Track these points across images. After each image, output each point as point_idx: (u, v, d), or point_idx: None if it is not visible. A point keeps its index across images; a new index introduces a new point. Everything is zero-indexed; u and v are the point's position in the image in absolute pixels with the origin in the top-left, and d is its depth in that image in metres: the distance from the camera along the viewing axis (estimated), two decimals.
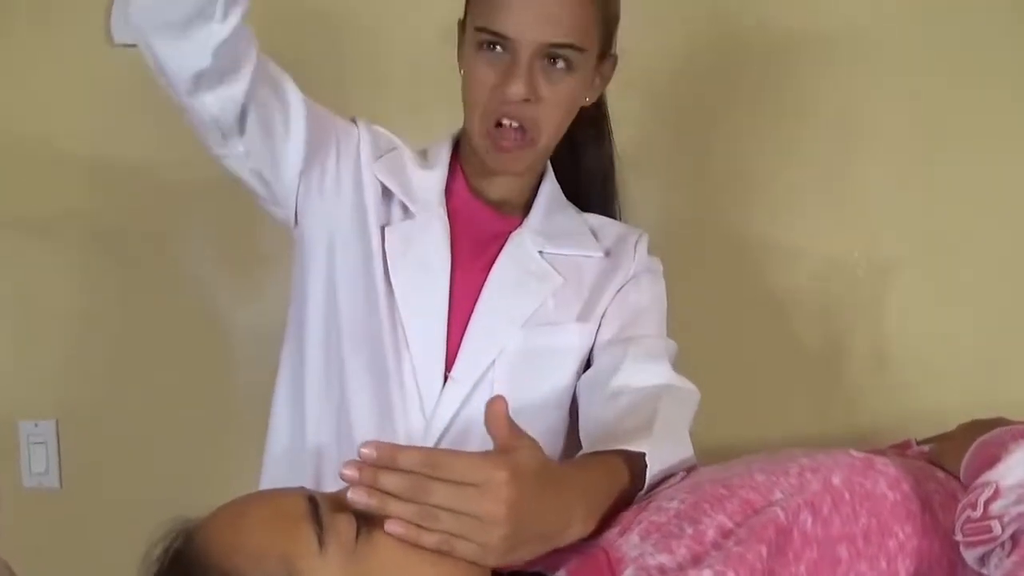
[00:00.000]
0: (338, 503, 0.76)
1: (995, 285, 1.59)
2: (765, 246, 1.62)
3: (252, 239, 1.66)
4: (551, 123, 1.04)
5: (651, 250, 1.18)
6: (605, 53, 1.09)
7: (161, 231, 1.70)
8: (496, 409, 0.76)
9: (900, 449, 1.00)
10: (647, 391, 0.99)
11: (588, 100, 1.10)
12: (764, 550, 0.76)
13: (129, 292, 1.71)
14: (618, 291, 1.12)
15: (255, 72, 0.95)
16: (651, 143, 1.61)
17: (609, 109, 1.20)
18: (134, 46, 1.58)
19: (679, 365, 1.10)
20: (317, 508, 0.74)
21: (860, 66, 1.58)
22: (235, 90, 0.94)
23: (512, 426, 0.77)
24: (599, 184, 1.20)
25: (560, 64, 1.01)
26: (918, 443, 1.02)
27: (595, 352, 1.09)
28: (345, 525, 0.73)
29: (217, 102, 0.94)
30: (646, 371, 1.02)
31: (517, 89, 0.99)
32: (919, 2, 1.57)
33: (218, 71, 0.91)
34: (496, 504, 0.71)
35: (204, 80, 0.91)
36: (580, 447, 0.99)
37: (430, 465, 0.71)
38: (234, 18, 0.88)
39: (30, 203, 1.71)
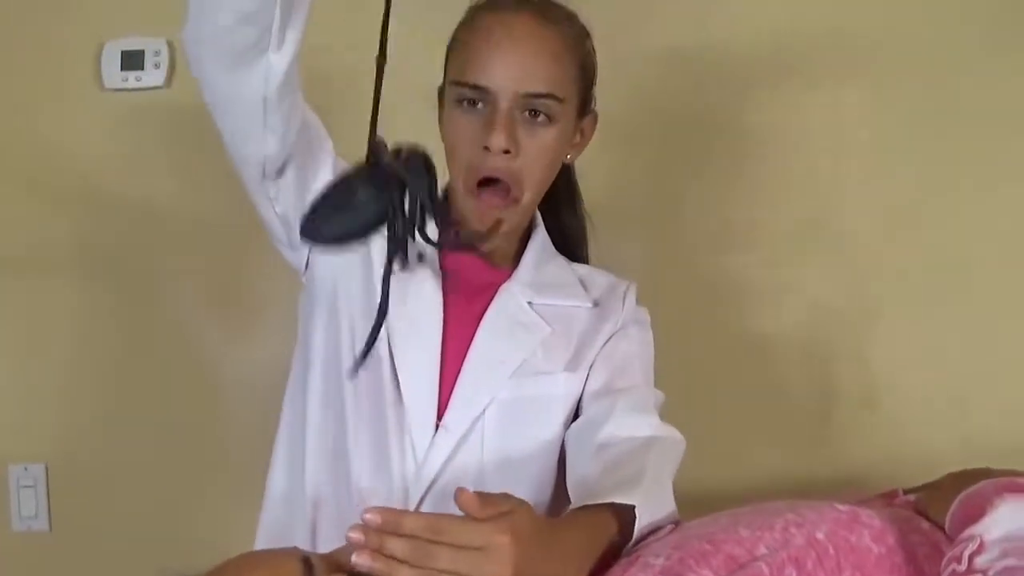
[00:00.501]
0: (333, 564, 0.77)
1: (981, 328, 1.59)
2: (752, 290, 1.62)
3: (244, 286, 1.67)
4: (533, 177, 1.05)
5: (639, 300, 1.19)
6: (584, 108, 1.10)
7: (153, 277, 1.70)
8: (465, 504, 0.76)
9: (887, 499, 1.00)
10: (635, 443, 1.00)
11: (570, 157, 1.12)
12: None
13: (120, 336, 1.71)
14: (607, 341, 1.13)
15: (304, 117, 0.99)
16: (632, 192, 1.63)
17: (588, 160, 1.20)
18: (126, 90, 1.66)
19: (667, 411, 1.11)
20: (312, 572, 0.75)
21: (846, 110, 1.60)
22: (291, 131, 0.97)
23: (491, 501, 0.77)
24: (572, 245, 1.22)
25: (540, 117, 1.02)
26: (905, 492, 1.02)
27: (584, 402, 1.10)
28: None
29: (275, 140, 0.96)
30: (634, 423, 1.03)
31: (498, 140, 1.00)
32: (905, 45, 1.59)
33: (278, 107, 0.93)
34: (500, 567, 0.73)
35: (269, 115, 0.93)
36: (567, 497, 0.99)
37: (434, 530, 0.73)
38: (290, 46, 0.89)
39: (23, 249, 1.72)
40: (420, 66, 1.12)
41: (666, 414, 1.10)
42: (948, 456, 1.49)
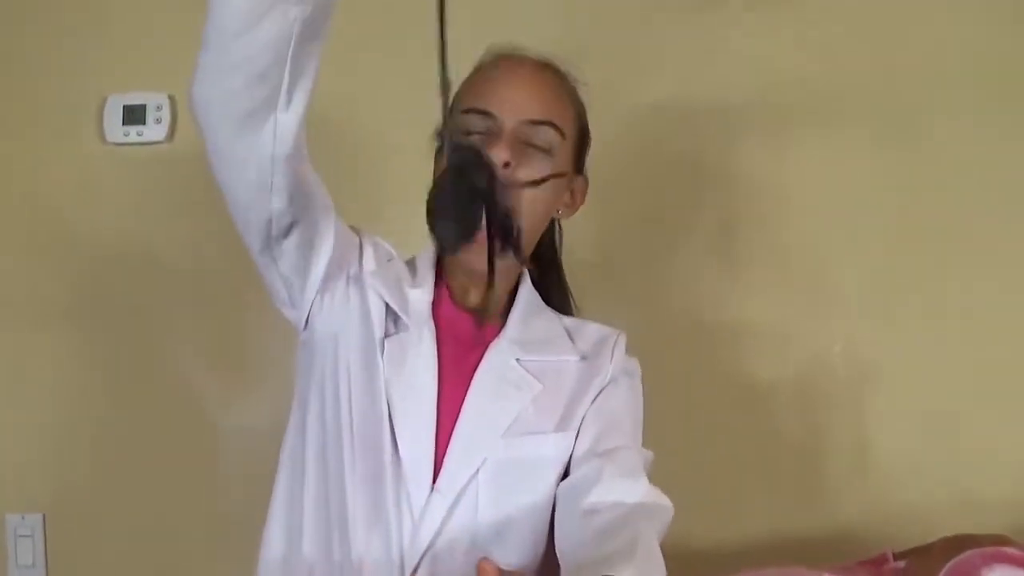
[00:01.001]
0: None
1: (974, 384, 1.61)
2: (747, 343, 1.64)
3: (243, 340, 1.69)
4: (530, 215, 1.07)
5: (629, 351, 1.20)
6: (579, 165, 1.15)
7: (152, 331, 1.71)
8: (487, 572, 0.79)
9: (877, 564, 1.02)
10: (625, 510, 1.00)
11: (562, 214, 1.16)
12: None
13: (118, 389, 1.72)
14: (597, 396, 1.14)
15: (309, 180, 1.00)
16: (625, 242, 1.66)
17: (582, 210, 1.22)
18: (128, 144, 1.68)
19: (661, 462, 1.12)
20: None
21: (841, 162, 1.63)
22: (296, 192, 0.98)
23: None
24: (555, 306, 1.24)
25: (540, 146, 1.07)
26: (895, 555, 1.04)
27: (573, 461, 1.10)
28: None
29: (280, 201, 0.97)
30: (623, 488, 1.03)
31: (500, 153, 1.03)
32: (902, 99, 1.63)
33: (285, 167, 0.95)
34: None
35: (276, 175, 0.95)
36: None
37: None
38: (299, 106, 0.91)
39: (23, 300, 1.74)
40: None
41: (659, 466, 1.12)
42: (942, 514, 1.54)
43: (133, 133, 1.70)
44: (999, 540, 0.97)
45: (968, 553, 0.88)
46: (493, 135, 1.05)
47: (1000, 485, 1.59)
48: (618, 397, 1.15)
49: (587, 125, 1.16)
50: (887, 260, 1.63)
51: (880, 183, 1.63)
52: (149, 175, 1.71)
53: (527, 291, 1.19)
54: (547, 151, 1.07)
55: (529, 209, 1.07)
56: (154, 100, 1.71)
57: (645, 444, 1.16)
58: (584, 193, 1.18)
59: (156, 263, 1.71)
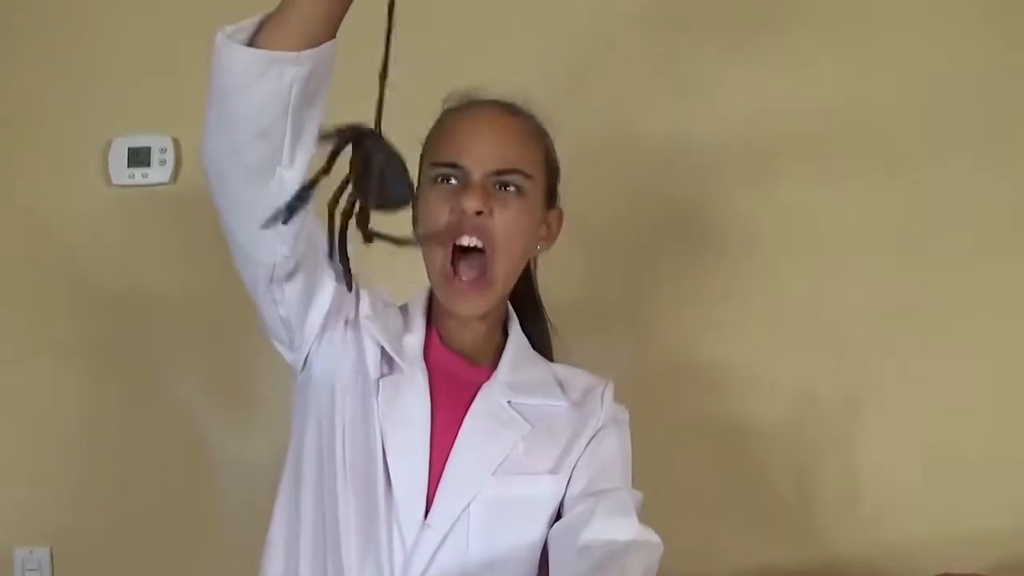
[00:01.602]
0: None
1: (964, 420, 1.63)
2: (736, 380, 1.67)
3: (244, 375, 1.73)
4: (505, 251, 1.11)
5: (617, 398, 1.23)
6: (551, 200, 1.18)
7: (155, 367, 1.76)
8: None
9: None
10: (616, 547, 1.04)
11: (540, 249, 1.19)
12: None
13: (123, 424, 1.76)
14: (588, 442, 1.17)
15: (312, 228, 1.02)
16: (612, 282, 1.69)
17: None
18: (132, 186, 1.73)
19: (650, 500, 1.15)
20: None
21: (829, 199, 1.66)
22: (300, 241, 1.01)
23: None
24: (537, 349, 1.26)
25: (511, 189, 1.10)
26: None
27: (566, 503, 1.13)
28: None
29: (285, 249, 1.00)
30: (615, 527, 1.07)
31: (472, 202, 1.07)
32: (890, 135, 1.66)
33: (294, 216, 0.95)
34: None
35: (279, 228, 0.95)
36: None
37: None
38: (300, 163, 0.93)
39: (29, 337, 1.79)
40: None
41: (648, 503, 1.15)
42: (931, 550, 1.57)
43: (138, 175, 1.75)
44: None
45: None
46: (463, 185, 1.09)
47: (990, 520, 1.61)
48: (609, 443, 1.18)
49: (556, 159, 1.19)
50: (876, 296, 1.65)
51: (868, 219, 1.66)
52: (153, 215, 1.75)
53: (517, 335, 1.22)
54: (518, 190, 1.10)
55: (505, 249, 1.10)
56: (158, 143, 1.75)
57: (635, 483, 1.19)
58: (559, 224, 1.21)
59: (159, 301, 1.75)
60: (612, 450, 1.18)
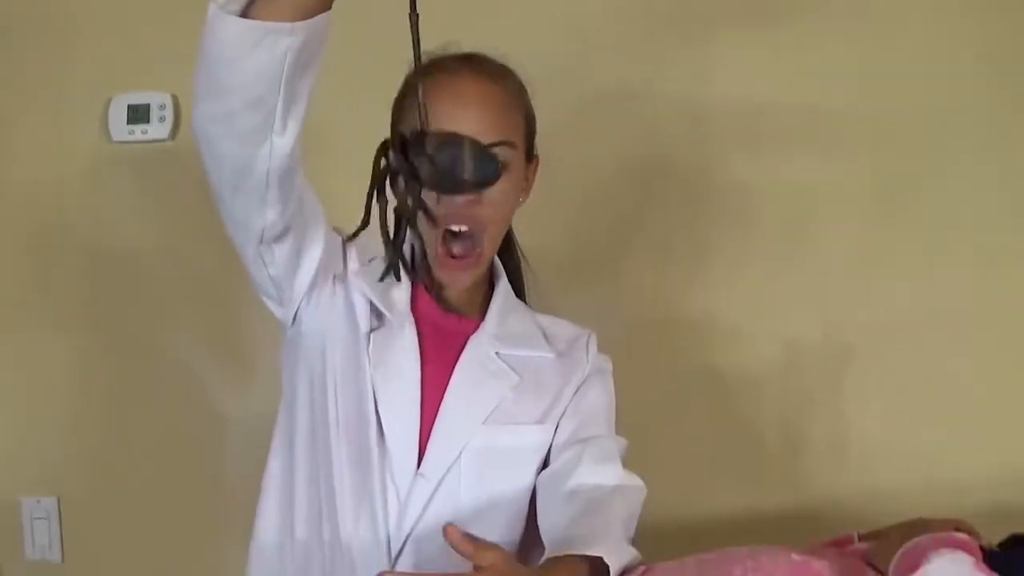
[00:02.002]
0: None
1: (951, 367, 1.66)
2: (724, 331, 1.71)
3: (244, 330, 1.76)
4: (496, 226, 1.14)
5: (600, 348, 1.27)
6: (530, 155, 1.20)
7: (156, 321, 1.78)
8: (452, 536, 0.90)
9: (841, 544, 1.10)
10: (602, 492, 1.10)
11: (522, 201, 1.21)
12: None
13: (127, 378, 1.79)
14: (574, 393, 1.22)
15: (302, 192, 1.05)
16: (600, 233, 1.72)
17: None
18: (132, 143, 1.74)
19: (640, 448, 1.21)
20: None
21: (816, 154, 1.68)
22: (289, 205, 1.03)
23: (476, 543, 0.90)
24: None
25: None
26: (860, 536, 1.11)
27: (553, 452, 1.18)
28: None
29: (274, 213, 1.02)
30: (600, 472, 1.13)
31: (462, 199, 1.08)
32: (875, 92, 1.67)
33: (280, 184, 0.99)
34: None
35: (270, 190, 0.99)
36: (537, 536, 1.11)
37: None
38: (292, 131, 0.95)
39: (35, 294, 1.81)
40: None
41: (638, 450, 1.21)
42: (918, 496, 1.61)
43: (138, 131, 1.76)
44: (954, 524, 1.05)
45: (921, 538, 0.94)
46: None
47: (977, 467, 1.65)
48: (594, 392, 1.23)
49: (532, 111, 1.20)
50: (862, 247, 1.68)
51: (859, 168, 1.68)
52: (153, 172, 1.77)
53: (504, 288, 1.25)
54: (504, 165, 1.11)
55: (494, 226, 1.14)
56: (158, 99, 1.77)
57: (626, 432, 1.25)
58: (535, 172, 1.22)
59: (160, 257, 1.77)
60: (597, 399, 1.23)
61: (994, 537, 1.10)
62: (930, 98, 1.67)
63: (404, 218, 1.02)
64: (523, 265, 1.33)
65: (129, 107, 1.76)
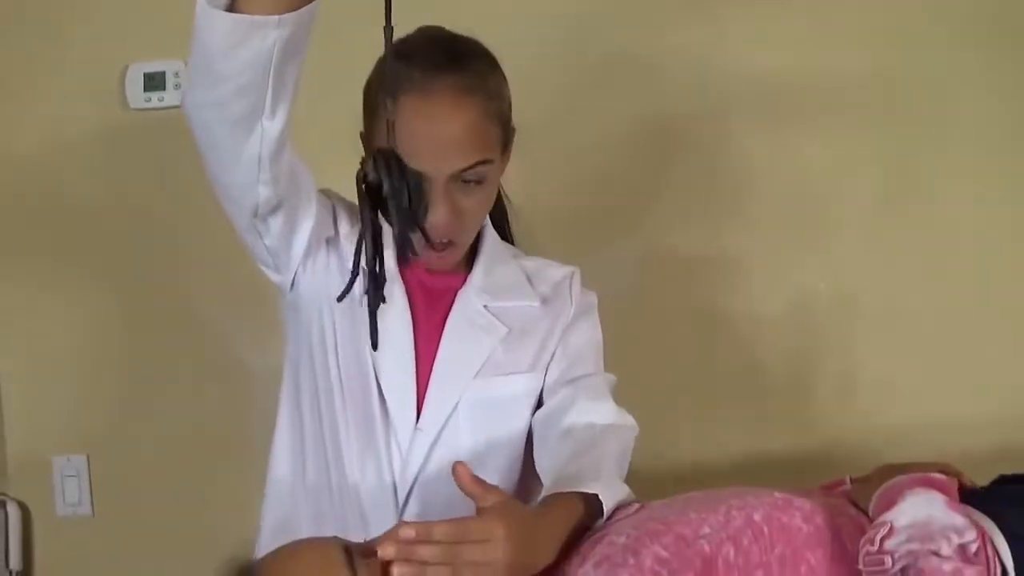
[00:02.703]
0: (365, 551, 0.91)
1: (958, 312, 1.70)
2: (736, 275, 1.74)
3: (262, 288, 1.78)
4: (476, 223, 1.18)
5: (584, 285, 1.30)
6: (508, 147, 1.20)
7: (180, 281, 1.84)
8: (462, 475, 0.94)
9: (830, 487, 1.13)
10: (595, 431, 1.15)
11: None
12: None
13: (154, 336, 1.85)
14: (562, 335, 1.25)
15: (293, 168, 1.08)
16: (615, 181, 1.75)
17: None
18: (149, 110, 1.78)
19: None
20: (351, 557, 0.90)
21: (831, 106, 1.70)
22: (280, 183, 1.05)
23: (481, 484, 0.95)
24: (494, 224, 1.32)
25: (473, 182, 1.13)
26: (852, 480, 1.15)
27: (545, 393, 1.23)
28: (373, 569, 0.89)
29: (266, 191, 1.05)
30: (593, 411, 1.18)
31: (440, 217, 1.10)
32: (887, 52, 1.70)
33: (271, 165, 1.02)
34: (500, 552, 0.90)
35: (262, 171, 1.02)
36: (534, 474, 1.17)
37: (454, 534, 0.89)
38: (282, 115, 0.98)
39: (60, 257, 1.87)
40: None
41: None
42: (927, 436, 1.65)
43: (154, 99, 1.80)
44: (939, 467, 1.08)
45: (900, 477, 0.98)
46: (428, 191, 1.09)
47: (984, 407, 1.69)
48: (580, 332, 1.27)
49: (509, 111, 1.19)
50: (871, 191, 1.71)
51: (870, 126, 1.70)
52: (170, 138, 1.80)
53: (490, 239, 1.27)
54: (481, 181, 1.13)
55: (472, 230, 1.18)
56: (173, 67, 1.81)
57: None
58: (512, 141, 1.22)
59: (179, 220, 1.82)
60: (584, 339, 1.27)
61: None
62: (938, 63, 1.69)
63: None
64: (508, 207, 1.35)
65: (145, 75, 1.80)
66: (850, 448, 1.71)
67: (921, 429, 1.68)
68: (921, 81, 1.69)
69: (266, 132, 0.98)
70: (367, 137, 1.18)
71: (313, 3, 0.90)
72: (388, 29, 0.83)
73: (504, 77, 1.19)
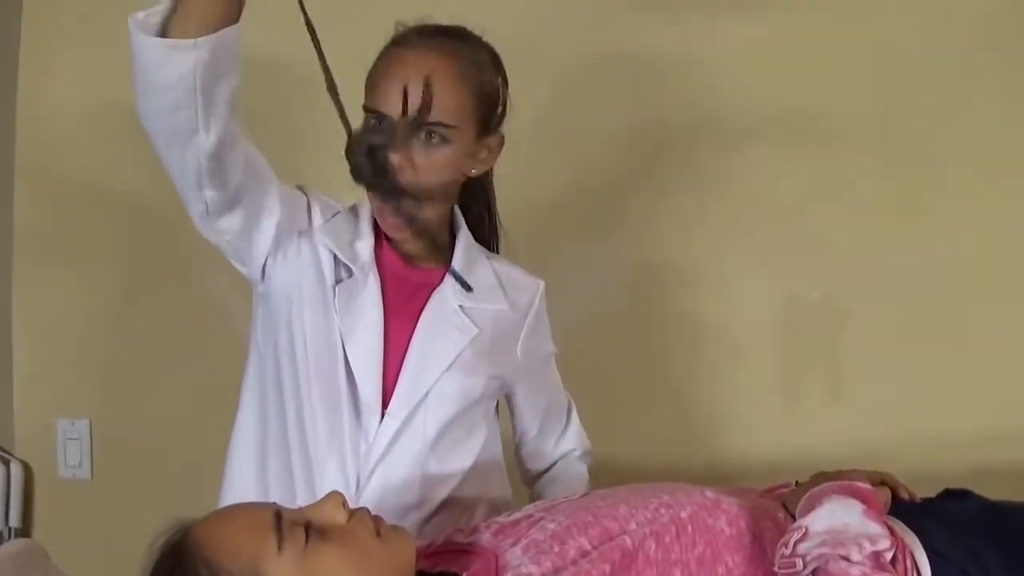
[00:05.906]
0: (300, 518, 0.95)
1: (946, 327, 1.72)
2: (728, 282, 1.77)
3: None
4: (429, 184, 1.18)
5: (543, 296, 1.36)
6: (486, 129, 1.23)
7: (180, 245, 1.84)
8: None
9: (771, 490, 1.16)
10: (570, 458, 1.45)
11: (475, 171, 1.25)
12: (608, 568, 0.94)
13: (157, 310, 1.91)
14: (526, 341, 1.32)
15: (246, 167, 1.12)
16: (610, 189, 1.78)
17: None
18: None
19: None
20: (280, 520, 0.94)
21: (820, 100, 1.73)
22: (228, 185, 1.10)
23: None
24: (483, 242, 1.36)
25: (435, 139, 1.16)
26: (796, 485, 1.17)
27: (516, 414, 1.41)
28: (300, 535, 0.93)
29: (213, 194, 1.10)
30: (563, 444, 1.45)
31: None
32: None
33: (211, 175, 1.08)
34: None
35: (203, 179, 1.08)
36: (494, 463, 1.31)
37: None
38: (217, 129, 1.03)
39: (72, 223, 1.93)
40: None
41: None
42: (911, 451, 1.66)
43: None
44: (876, 477, 1.11)
45: (826, 484, 1.01)
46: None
47: (973, 422, 1.71)
48: (541, 340, 1.37)
49: (492, 89, 1.21)
50: (862, 202, 1.73)
51: (864, 123, 1.73)
52: None
53: (465, 240, 1.31)
54: (444, 139, 1.16)
55: (428, 194, 1.18)
56: None
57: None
58: (500, 146, 1.26)
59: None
60: (544, 346, 1.38)
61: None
62: (935, 76, 1.71)
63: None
64: (493, 211, 1.38)
65: None
66: (834, 456, 1.70)
67: (908, 442, 1.70)
68: (918, 93, 1.71)
69: (202, 145, 1.04)
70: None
71: (231, 28, 0.97)
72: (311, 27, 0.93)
73: (498, 65, 1.23)
